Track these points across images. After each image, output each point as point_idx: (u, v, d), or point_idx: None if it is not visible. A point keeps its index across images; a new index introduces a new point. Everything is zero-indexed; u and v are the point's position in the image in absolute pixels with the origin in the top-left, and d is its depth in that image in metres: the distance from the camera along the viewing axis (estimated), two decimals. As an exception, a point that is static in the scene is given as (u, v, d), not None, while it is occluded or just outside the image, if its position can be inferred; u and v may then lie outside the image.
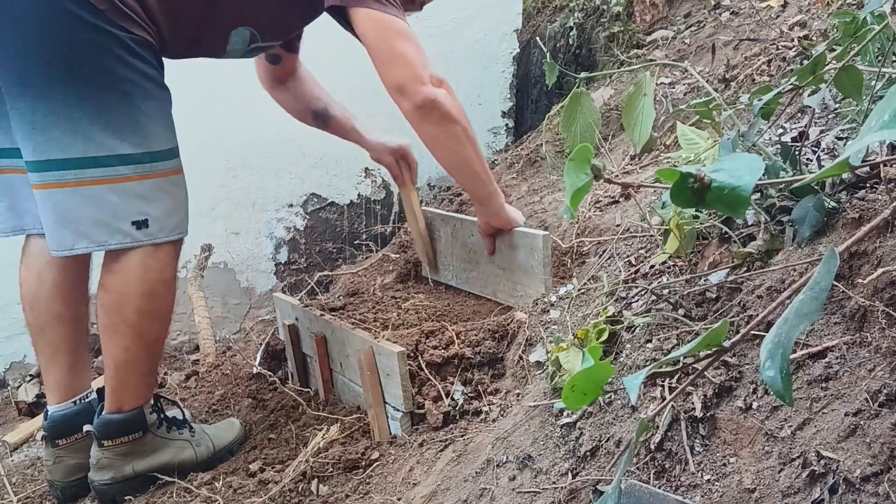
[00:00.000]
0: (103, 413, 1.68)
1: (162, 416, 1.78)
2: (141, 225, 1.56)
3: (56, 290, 1.74)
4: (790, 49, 1.98)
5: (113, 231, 1.54)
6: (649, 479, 1.01)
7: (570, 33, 3.01)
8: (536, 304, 1.69)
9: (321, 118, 2.08)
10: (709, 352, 0.78)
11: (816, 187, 1.13)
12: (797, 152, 1.20)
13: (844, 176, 1.13)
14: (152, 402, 1.74)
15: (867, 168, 1.11)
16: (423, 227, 2.12)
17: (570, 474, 1.16)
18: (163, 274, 1.61)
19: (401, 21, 1.56)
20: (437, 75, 1.57)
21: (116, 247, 1.55)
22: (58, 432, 1.77)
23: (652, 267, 1.45)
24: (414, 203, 2.11)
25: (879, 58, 1.23)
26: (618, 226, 1.76)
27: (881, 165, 1.08)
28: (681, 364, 0.88)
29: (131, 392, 1.66)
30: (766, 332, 0.67)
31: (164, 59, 1.67)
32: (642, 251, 1.57)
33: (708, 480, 0.95)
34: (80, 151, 1.49)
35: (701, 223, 1.34)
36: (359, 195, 2.99)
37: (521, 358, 1.58)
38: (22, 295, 1.79)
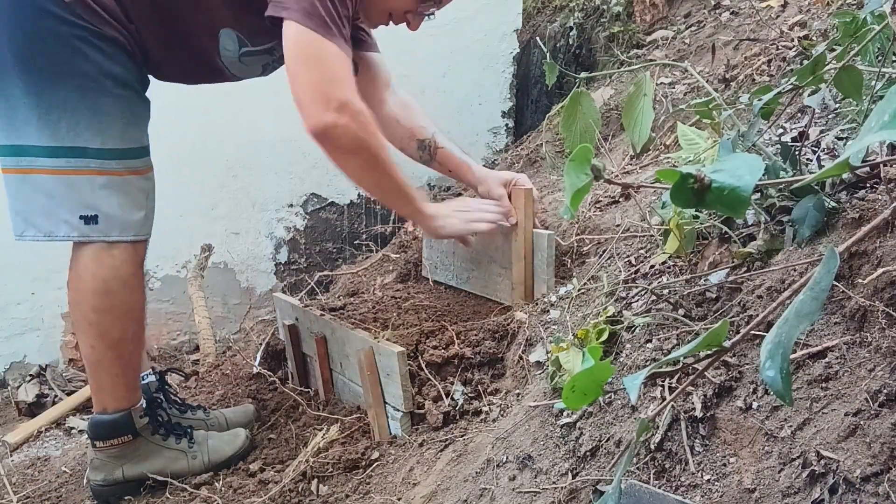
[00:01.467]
0: (92, 413, 1.70)
1: (159, 422, 1.75)
2: (90, 220, 1.55)
3: None
4: (790, 49, 1.98)
5: (58, 222, 1.55)
6: (649, 479, 1.01)
7: (570, 33, 3.01)
8: (536, 304, 1.69)
9: (428, 149, 1.87)
10: (709, 352, 0.78)
11: (816, 187, 1.13)
12: (797, 152, 1.20)
13: (844, 176, 1.13)
14: (144, 405, 1.72)
15: (867, 168, 1.11)
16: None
17: (570, 474, 1.16)
18: (117, 271, 1.59)
19: (319, 39, 1.44)
20: (346, 102, 1.46)
21: (63, 239, 1.56)
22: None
23: (652, 267, 1.45)
24: (526, 244, 1.74)
25: (879, 58, 1.23)
26: (618, 226, 1.76)
27: (881, 165, 1.08)
28: (681, 364, 0.88)
29: (108, 393, 1.66)
30: (767, 332, 0.67)
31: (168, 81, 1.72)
32: (642, 251, 1.57)
33: (708, 480, 0.95)
34: (34, 139, 1.50)
35: (701, 223, 1.34)
36: (359, 195, 2.99)
37: (521, 358, 1.58)
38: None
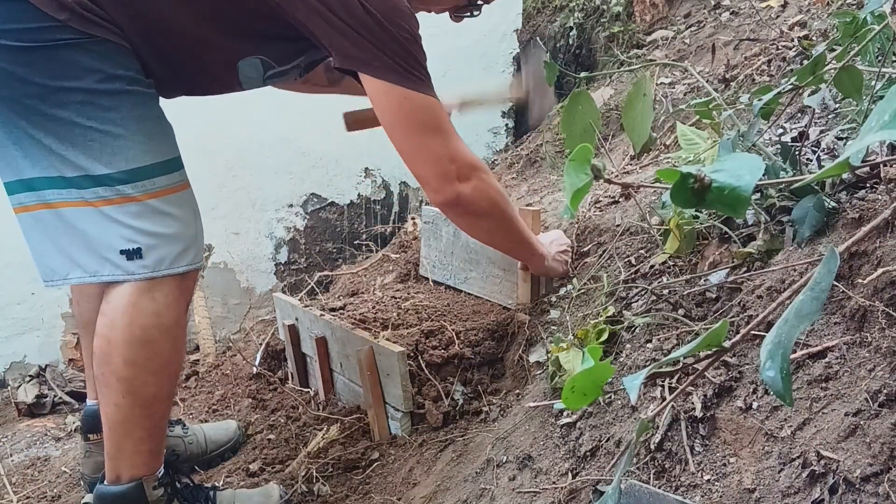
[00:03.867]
0: (101, 483, 1.43)
1: (175, 491, 1.47)
2: (132, 255, 1.32)
3: (101, 288, 1.61)
4: (790, 49, 1.98)
5: (101, 260, 1.32)
6: (649, 479, 1.01)
7: (570, 33, 3.01)
8: (536, 304, 1.69)
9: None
10: (709, 352, 0.78)
11: (816, 187, 1.13)
12: (797, 152, 1.20)
13: (844, 176, 1.13)
14: (160, 474, 1.43)
15: (867, 168, 1.11)
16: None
17: (570, 474, 1.16)
18: (160, 318, 1.34)
19: (424, 100, 1.33)
20: (465, 164, 1.40)
21: (108, 279, 1.33)
22: (91, 426, 1.67)
23: (652, 267, 1.45)
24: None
25: (879, 58, 1.23)
26: (618, 226, 1.76)
27: (881, 165, 1.08)
28: (681, 364, 0.88)
29: (128, 459, 1.39)
30: (767, 332, 0.67)
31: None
32: (642, 251, 1.57)
33: (708, 480, 0.95)
34: (56, 171, 1.29)
35: (701, 223, 1.34)
36: (359, 195, 2.99)
37: (520, 358, 1.58)
38: (71, 289, 1.69)
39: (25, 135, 1.28)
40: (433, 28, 2.87)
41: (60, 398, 2.44)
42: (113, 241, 1.31)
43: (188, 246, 1.38)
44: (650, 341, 1.23)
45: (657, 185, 1.10)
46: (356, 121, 1.75)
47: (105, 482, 1.41)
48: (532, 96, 1.89)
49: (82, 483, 1.79)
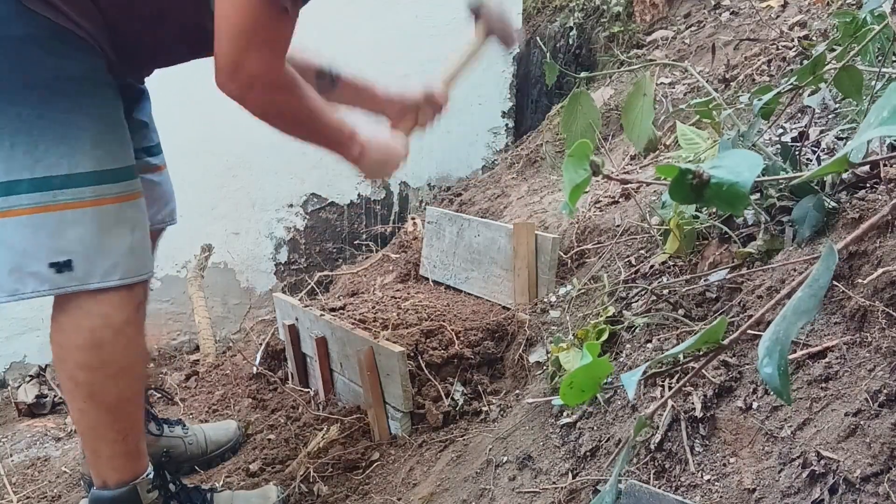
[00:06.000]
0: (92, 489, 1.41)
1: (169, 493, 1.45)
2: (62, 267, 1.24)
3: None
4: (790, 49, 1.98)
5: (24, 276, 1.24)
6: (649, 479, 1.01)
7: (570, 33, 3.01)
8: (536, 304, 1.69)
9: (328, 77, 1.64)
10: (707, 350, 0.78)
11: (816, 187, 1.13)
12: (797, 152, 1.20)
13: (844, 176, 1.13)
14: (150, 476, 1.41)
15: (867, 168, 1.11)
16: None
17: (570, 474, 1.16)
18: (108, 319, 1.28)
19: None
20: (257, 72, 1.23)
21: (31, 296, 1.25)
22: None
23: (652, 267, 1.45)
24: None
25: (879, 58, 1.22)
26: (618, 226, 1.76)
27: (881, 165, 1.08)
28: (680, 363, 0.88)
29: (108, 463, 1.36)
30: (765, 330, 0.67)
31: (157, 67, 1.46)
32: (642, 251, 1.57)
33: (708, 480, 0.95)
34: None
35: (701, 223, 1.34)
36: (359, 195, 2.99)
37: (520, 358, 1.58)
38: None
39: None
40: (433, 28, 2.89)
41: (61, 398, 2.44)
42: (43, 252, 1.24)
43: (118, 260, 1.29)
44: (650, 341, 1.23)
45: (656, 182, 1.10)
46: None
47: (95, 487, 1.40)
48: (495, 28, 1.85)
49: (82, 483, 1.79)
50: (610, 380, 1.08)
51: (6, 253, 1.24)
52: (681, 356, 0.97)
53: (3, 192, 1.21)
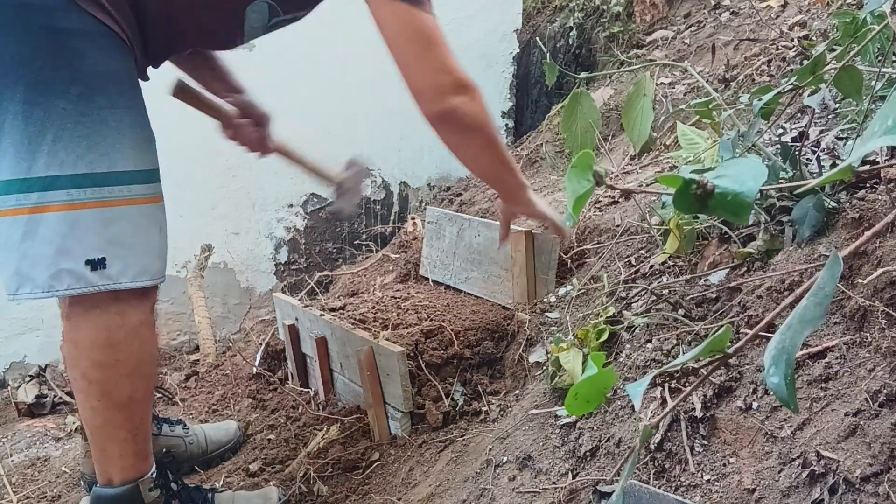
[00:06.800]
0: (95, 486, 1.43)
1: (171, 492, 1.47)
2: (97, 265, 1.26)
3: None
4: (790, 49, 1.98)
5: (60, 273, 1.25)
6: (649, 479, 1.01)
7: (570, 33, 3.01)
8: (536, 304, 1.69)
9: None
10: (712, 358, 0.78)
11: (816, 187, 1.13)
12: (797, 152, 1.20)
13: (844, 176, 1.13)
14: (154, 475, 1.43)
15: (867, 168, 1.11)
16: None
17: (569, 474, 1.16)
18: (125, 318, 1.31)
19: (426, 17, 1.36)
20: (461, 80, 1.42)
21: (65, 293, 1.26)
22: None
23: (652, 267, 1.45)
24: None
25: (879, 58, 1.22)
26: (618, 226, 1.76)
27: (881, 166, 1.08)
28: (681, 365, 0.88)
29: (116, 462, 1.38)
30: (769, 332, 0.67)
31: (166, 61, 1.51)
32: (642, 251, 1.57)
33: (708, 480, 0.95)
34: (23, 171, 1.22)
35: (701, 223, 1.34)
36: (359, 195, 2.99)
37: (520, 358, 1.58)
38: None
39: (2, 123, 1.21)
40: (433, 28, 2.88)
41: (61, 398, 2.44)
42: (80, 249, 1.25)
43: (148, 261, 1.34)
44: (650, 341, 1.23)
45: (658, 191, 1.10)
46: (184, 92, 1.72)
47: (98, 485, 1.41)
48: (342, 190, 1.94)
49: (82, 483, 1.79)
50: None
51: (43, 248, 1.24)
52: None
53: (42, 186, 1.22)
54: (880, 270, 0.93)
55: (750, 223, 1.26)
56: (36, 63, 1.20)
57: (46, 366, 2.59)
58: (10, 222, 1.24)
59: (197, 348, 2.67)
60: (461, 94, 1.41)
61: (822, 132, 1.37)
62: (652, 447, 1.03)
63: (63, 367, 2.60)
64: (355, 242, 3.01)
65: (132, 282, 1.30)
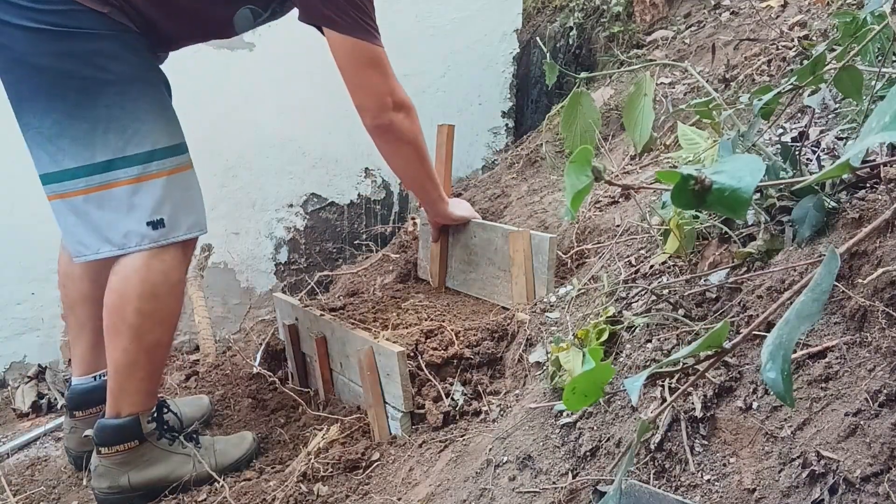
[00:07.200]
0: (102, 418, 1.67)
1: (165, 426, 1.73)
2: (157, 225, 1.57)
3: (85, 271, 1.79)
4: (790, 49, 1.98)
5: (129, 234, 1.56)
6: (649, 479, 1.01)
7: (570, 33, 3.01)
8: (536, 304, 1.69)
9: None
10: (709, 353, 0.78)
11: (816, 187, 1.13)
12: (797, 152, 1.20)
13: (844, 176, 1.13)
14: (154, 411, 1.70)
15: (867, 168, 1.11)
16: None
17: (570, 474, 1.16)
18: (167, 276, 1.60)
19: (369, 46, 1.61)
20: (400, 99, 1.68)
21: (134, 250, 1.56)
22: (76, 404, 1.86)
23: (652, 267, 1.45)
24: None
25: (879, 58, 1.22)
26: (618, 226, 1.76)
27: (881, 166, 1.08)
28: (681, 365, 0.88)
29: (129, 397, 1.64)
30: (767, 332, 0.67)
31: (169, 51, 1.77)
32: (642, 251, 1.57)
33: (708, 480, 0.95)
34: (86, 159, 1.52)
35: (701, 223, 1.34)
36: (359, 195, 2.99)
37: (520, 358, 1.58)
38: (58, 271, 1.86)
39: (61, 124, 1.50)
40: (432, 28, 2.88)
41: (62, 403, 2.43)
42: (141, 214, 1.55)
43: (199, 215, 1.67)
44: (650, 341, 1.23)
45: (657, 186, 1.10)
46: None
47: (105, 417, 1.66)
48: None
49: (67, 457, 1.92)
50: (611, 381, 1.09)
51: (113, 216, 1.56)
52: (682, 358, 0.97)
53: (103, 168, 1.53)
54: (880, 270, 0.93)
55: (750, 223, 1.26)
56: (79, 75, 1.49)
57: (46, 366, 2.59)
58: (83, 199, 1.55)
59: (197, 348, 2.67)
60: (399, 112, 1.69)
61: (822, 132, 1.37)
62: (652, 447, 1.03)
63: (63, 366, 2.60)
64: (355, 242, 3.01)
65: (187, 233, 1.62)
